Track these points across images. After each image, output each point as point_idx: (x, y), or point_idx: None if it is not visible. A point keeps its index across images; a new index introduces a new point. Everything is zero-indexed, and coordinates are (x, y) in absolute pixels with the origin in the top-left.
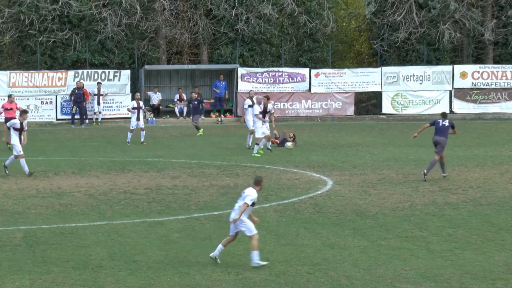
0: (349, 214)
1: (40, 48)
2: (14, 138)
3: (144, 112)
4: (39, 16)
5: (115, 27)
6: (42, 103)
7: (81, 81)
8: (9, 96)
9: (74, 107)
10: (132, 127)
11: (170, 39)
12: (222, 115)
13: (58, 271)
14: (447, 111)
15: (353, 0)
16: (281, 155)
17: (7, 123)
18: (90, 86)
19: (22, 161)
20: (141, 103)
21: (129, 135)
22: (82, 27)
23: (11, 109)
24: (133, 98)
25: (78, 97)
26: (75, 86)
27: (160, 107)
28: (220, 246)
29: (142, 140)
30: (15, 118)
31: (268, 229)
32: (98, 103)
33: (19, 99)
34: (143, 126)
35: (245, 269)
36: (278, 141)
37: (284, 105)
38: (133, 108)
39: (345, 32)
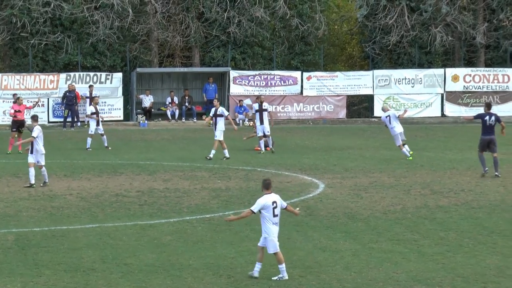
0: (341, 217)
1: (32, 51)
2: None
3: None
4: (31, 19)
5: (107, 30)
6: (34, 106)
7: (73, 83)
8: (18, 98)
9: (66, 110)
10: (91, 131)
11: (162, 42)
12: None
13: (49, 274)
14: (439, 114)
15: (345, 3)
16: (273, 158)
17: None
18: (82, 88)
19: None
20: (99, 108)
21: (89, 140)
22: (74, 30)
23: (19, 111)
24: (126, 103)
25: (70, 100)
26: (67, 89)
27: (152, 110)
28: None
29: (105, 144)
30: (23, 120)
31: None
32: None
33: (10, 102)
34: (102, 132)
35: (237, 272)
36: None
37: (276, 108)
38: (92, 113)
39: (337, 35)
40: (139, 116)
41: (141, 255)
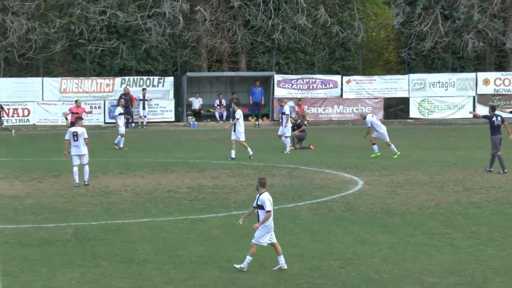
0: (379, 212)
1: (89, 56)
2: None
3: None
4: (88, 26)
5: (159, 37)
6: (91, 107)
7: (128, 87)
8: (76, 101)
9: None
10: (121, 131)
11: (211, 48)
12: (259, 119)
13: (106, 265)
14: (471, 115)
15: (382, 12)
16: (315, 157)
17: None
18: (135, 92)
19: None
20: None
21: (121, 139)
22: (128, 37)
23: (77, 113)
24: (177, 105)
25: (125, 102)
26: (122, 92)
27: (201, 111)
28: (278, 258)
29: (121, 145)
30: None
31: (302, 226)
32: (143, 108)
33: (69, 104)
34: (123, 132)
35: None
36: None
37: (317, 109)
38: (120, 114)
39: (375, 42)
40: (189, 117)
41: (191, 247)
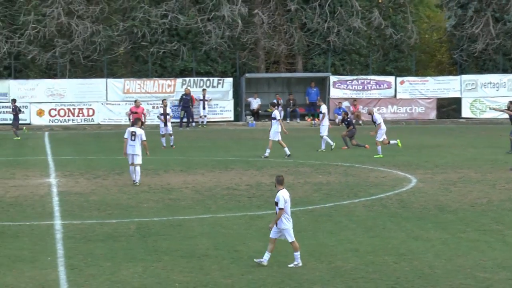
0: (432, 209)
1: (151, 58)
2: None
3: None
4: (150, 29)
5: (219, 39)
6: (153, 107)
7: (188, 87)
8: (135, 101)
9: (182, 112)
10: (162, 132)
11: (268, 49)
12: (315, 119)
13: (167, 259)
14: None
15: (435, 14)
16: (369, 156)
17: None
18: (196, 92)
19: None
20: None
21: (162, 140)
22: (189, 39)
23: (136, 113)
24: (236, 105)
25: (186, 102)
26: (183, 93)
27: (260, 111)
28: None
29: (171, 143)
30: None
31: (357, 223)
32: (203, 108)
33: (132, 105)
34: (170, 132)
35: (336, 258)
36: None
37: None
38: (161, 114)
39: (428, 43)
40: (248, 117)
41: (250, 243)
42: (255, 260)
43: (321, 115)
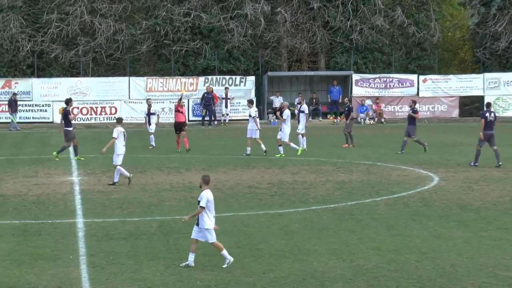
0: (454, 208)
1: (173, 57)
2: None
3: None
4: (173, 28)
5: (241, 37)
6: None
7: (211, 86)
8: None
9: (204, 110)
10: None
11: (291, 48)
12: (338, 117)
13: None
14: None
15: (458, 13)
16: (391, 154)
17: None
18: (218, 90)
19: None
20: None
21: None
22: (211, 38)
23: (181, 112)
24: (258, 104)
25: (208, 100)
26: (205, 91)
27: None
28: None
29: (151, 143)
30: (183, 122)
31: (379, 221)
32: (226, 106)
33: (155, 103)
34: (152, 131)
35: (358, 257)
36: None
37: (394, 108)
38: (146, 114)
39: (450, 42)
40: (270, 115)
41: (271, 241)
42: (181, 265)
43: (303, 115)
